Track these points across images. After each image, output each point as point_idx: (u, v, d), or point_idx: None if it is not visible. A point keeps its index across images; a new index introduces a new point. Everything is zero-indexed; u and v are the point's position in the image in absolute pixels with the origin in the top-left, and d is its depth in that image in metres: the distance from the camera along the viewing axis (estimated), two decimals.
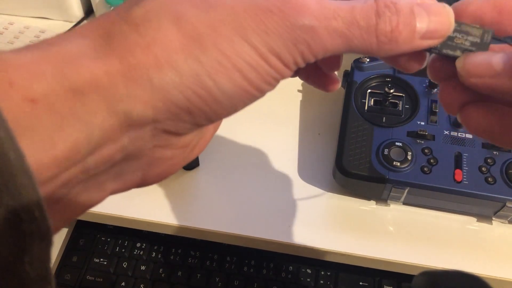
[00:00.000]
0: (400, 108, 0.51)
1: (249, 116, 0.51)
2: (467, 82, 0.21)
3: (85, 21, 0.69)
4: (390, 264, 0.47)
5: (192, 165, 0.52)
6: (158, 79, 0.17)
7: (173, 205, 0.50)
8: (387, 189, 0.47)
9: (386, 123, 0.49)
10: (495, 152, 0.47)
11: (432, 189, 0.45)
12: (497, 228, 0.49)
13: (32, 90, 0.16)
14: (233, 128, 0.55)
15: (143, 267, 0.53)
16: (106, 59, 0.17)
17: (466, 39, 0.21)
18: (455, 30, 0.21)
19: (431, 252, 0.47)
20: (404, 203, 0.49)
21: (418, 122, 0.49)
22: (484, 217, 0.49)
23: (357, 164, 0.47)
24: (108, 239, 0.55)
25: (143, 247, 0.55)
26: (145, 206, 0.50)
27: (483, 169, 0.46)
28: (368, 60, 0.53)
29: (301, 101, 0.59)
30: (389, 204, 0.50)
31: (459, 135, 0.48)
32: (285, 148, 0.55)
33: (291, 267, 0.53)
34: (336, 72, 0.26)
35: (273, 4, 0.19)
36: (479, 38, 0.21)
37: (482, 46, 0.21)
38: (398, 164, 0.46)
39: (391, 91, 0.50)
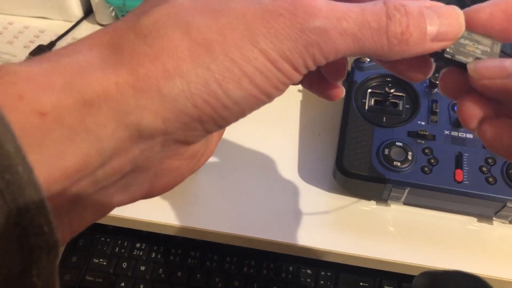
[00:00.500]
0: (401, 108, 0.51)
1: (249, 116, 0.50)
2: (478, 85, 0.21)
3: (84, 21, 0.69)
4: (391, 264, 0.47)
5: None
6: (167, 88, 0.17)
7: (173, 206, 0.50)
8: (387, 189, 0.47)
9: (387, 123, 0.49)
10: None
11: (432, 189, 0.45)
12: (498, 228, 0.49)
13: (41, 103, 0.16)
14: (233, 128, 0.55)
15: (142, 268, 0.53)
16: (115, 71, 0.17)
17: (477, 47, 0.21)
18: (466, 38, 0.21)
19: (432, 252, 0.47)
20: (405, 203, 0.49)
21: (419, 122, 0.49)
22: (484, 217, 0.49)
23: (357, 164, 0.47)
24: (108, 240, 0.55)
25: (142, 247, 0.55)
26: (145, 207, 0.50)
27: (484, 169, 0.46)
28: (368, 60, 0.53)
29: (301, 101, 0.59)
30: (390, 204, 0.50)
31: (459, 135, 0.48)
32: (285, 148, 0.54)
33: (291, 267, 0.53)
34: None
35: (283, 6, 0.18)
36: (489, 48, 0.21)
37: (492, 55, 0.21)
38: (399, 164, 0.46)
39: (392, 91, 0.50)
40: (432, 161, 0.46)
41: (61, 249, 0.55)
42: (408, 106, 0.51)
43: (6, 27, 0.67)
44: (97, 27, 0.68)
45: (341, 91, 0.26)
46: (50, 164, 0.16)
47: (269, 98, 0.20)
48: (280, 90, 0.20)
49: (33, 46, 0.64)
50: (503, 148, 0.21)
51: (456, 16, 0.21)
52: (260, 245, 0.49)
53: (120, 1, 0.62)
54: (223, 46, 0.18)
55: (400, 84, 0.52)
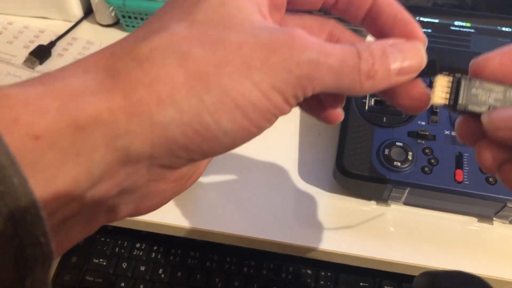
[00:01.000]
0: None
1: None
2: (494, 136, 0.21)
3: (84, 21, 0.69)
4: (391, 264, 0.47)
5: None
6: (159, 116, 0.18)
7: (173, 206, 0.50)
8: (387, 189, 0.47)
9: (387, 123, 0.49)
10: None
11: (432, 189, 0.45)
12: (498, 229, 0.49)
13: (35, 126, 0.16)
14: None
15: (142, 268, 0.53)
16: (109, 95, 0.17)
17: (489, 96, 0.21)
18: (478, 88, 0.21)
19: (432, 252, 0.47)
20: (405, 203, 0.49)
21: (419, 122, 0.49)
22: (485, 217, 0.49)
23: (357, 164, 0.47)
24: (108, 240, 0.55)
25: (142, 247, 0.55)
26: None
27: None
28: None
29: None
30: (390, 204, 0.50)
31: None
32: (285, 148, 0.54)
33: (291, 268, 0.52)
34: None
35: (279, 40, 0.19)
36: (502, 94, 0.21)
37: (505, 102, 0.21)
38: (399, 164, 0.46)
39: None
40: (432, 161, 0.46)
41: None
42: None
43: (6, 27, 0.67)
44: (97, 27, 0.68)
45: (340, 115, 0.26)
46: (42, 187, 0.16)
47: (260, 130, 0.20)
48: (270, 122, 0.20)
49: (33, 46, 0.63)
50: None
51: (417, 50, 0.22)
52: (260, 245, 0.49)
53: (120, 1, 0.62)
54: (218, 78, 0.18)
55: None
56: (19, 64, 0.62)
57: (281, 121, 0.61)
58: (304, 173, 0.52)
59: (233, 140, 0.20)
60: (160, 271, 0.53)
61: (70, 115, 0.17)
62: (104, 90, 0.18)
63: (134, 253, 0.54)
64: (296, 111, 0.58)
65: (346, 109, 0.51)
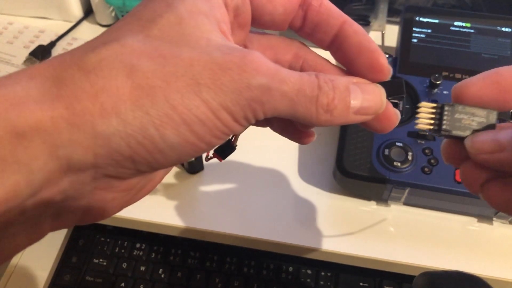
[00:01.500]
0: (401, 108, 0.50)
1: None
2: (477, 160, 0.22)
3: (84, 21, 0.69)
4: (391, 264, 0.47)
5: (197, 169, 0.52)
6: (102, 126, 0.17)
7: (173, 206, 0.50)
8: (387, 189, 0.47)
9: None
10: None
11: (432, 190, 0.45)
12: (498, 229, 0.49)
13: None
14: None
15: (142, 268, 0.53)
16: (52, 104, 0.17)
17: (472, 120, 0.22)
18: (461, 112, 0.22)
19: (432, 252, 0.47)
20: (405, 204, 0.49)
21: None
22: (484, 218, 0.49)
23: (357, 165, 0.47)
24: (108, 240, 0.55)
25: (142, 247, 0.55)
26: (145, 207, 0.50)
27: None
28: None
29: None
30: (390, 205, 0.50)
31: None
32: (285, 148, 0.54)
33: (291, 268, 0.53)
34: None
35: (233, 61, 0.19)
36: (484, 118, 0.22)
37: (489, 126, 0.22)
38: (399, 164, 0.46)
39: None
40: (432, 161, 0.46)
41: (61, 250, 0.55)
42: (408, 107, 0.51)
43: (6, 27, 0.67)
44: (97, 27, 0.68)
45: (312, 136, 0.27)
46: None
47: (209, 146, 0.20)
48: (220, 139, 0.20)
49: (33, 46, 0.64)
50: (510, 207, 0.22)
51: (378, 93, 0.22)
52: (260, 245, 0.49)
53: (120, 1, 0.62)
54: (165, 92, 0.18)
55: None
56: (19, 64, 0.62)
57: None
58: (304, 174, 0.52)
59: (180, 155, 0.19)
60: (160, 271, 0.53)
61: (10, 123, 0.17)
62: (48, 98, 0.17)
63: (134, 253, 0.54)
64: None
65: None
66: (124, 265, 0.53)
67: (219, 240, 0.50)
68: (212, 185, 0.52)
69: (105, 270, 0.53)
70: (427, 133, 0.24)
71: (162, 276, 0.52)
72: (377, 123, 0.24)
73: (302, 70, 0.25)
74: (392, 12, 0.67)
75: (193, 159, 0.50)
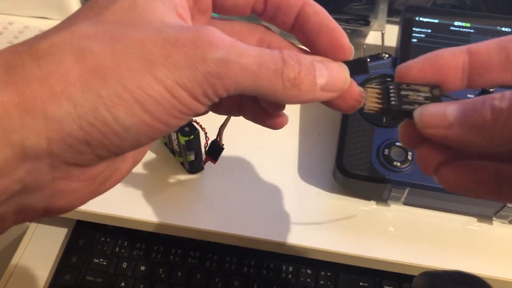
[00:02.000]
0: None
1: None
2: (425, 134, 0.22)
3: None
4: (391, 264, 0.47)
5: (197, 169, 0.52)
6: (53, 110, 0.17)
7: (173, 206, 0.50)
8: (387, 189, 0.47)
9: (387, 123, 0.49)
10: None
11: (432, 189, 0.45)
12: (498, 228, 0.49)
13: None
14: (233, 128, 0.55)
15: (142, 268, 0.53)
16: (1, 91, 0.17)
17: (418, 95, 0.23)
18: (406, 90, 0.23)
19: (432, 252, 0.47)
20: (405, 203, 0.49)
21: None
22: (484, 217, 0.49)
23: (357, 164, 0.47)
24: (108, 240, 0.55)
25: (142, 247, 0.55)
26: (145, 207, 0.50)
27: None
28: (368, 60, 0.53)
29: None
30: (390, 204, 0.50)
31: None
32: (285, 148, 0.55)
33: (291, 268, 0.53)
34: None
35: (185, 37, 0.19)
36: (429, 93, 0.23)
37: (435, 99, 0.22)
38: (399, 164, 0.46)
39: None
40: None
41: (61, 249, 0.55)
42: None
43: (6, 27, 0.67)
44: None
45: (285, 120, 0.27)
46: None
47: (168, 127, 0.20)
48: (181, 119, 0.20)
49: None
50: (463, 190, 0.22)
51: (342, 71, 0.22)
52: (260, 245, 0.49)
53: None
54: (115, 72, 0.18)
55: None
56: None
57: None
58: (304, 173, 0.52)
59: (137, 137, 0.19)
60: (160, 271, 0.53)
61: None
62: None
63: (134, 253, 0.54)
64: (296, 111, 0.58)
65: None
66: (124, 265, 0.53)
67: (219, 240, 0.50)
68: (212, 185, 0.52)
69: (105, 270, 0.53)
70: (379, 114, 0.24)
71: (162, 276, 0.52)
72: (343, 102, 0.24)
73: None
74: (392, 12, 0.67)
75: (193, 158, 0.50)
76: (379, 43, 0.54)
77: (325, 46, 0.23)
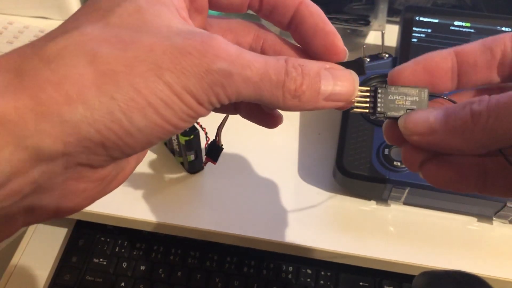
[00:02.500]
0: None
1: None
2: (410, 141, 0.22)
3: None
4: (391, 264, 0.47)
5: (197, 169, 0.52)
6: (69, 114, 0.18)
7: (173, 206, 0.50)
8: (387, 189, 0.47)
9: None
10: None
11: (432, 189, 0.45)
12: (498, 228, 0.49)
13: None
14: (233, 128, 0.55)
15: (142, 268, 0.53)
16: (15, 95, 0.17)
17: (406, 100, 0.23)
18: (394, 93, 0.23)
19: (432, 252, 0.47)
20: (405, 203, 0.49)
21: None
22: (484, 217, 0.49)
23: (357, 164, 0.47)
24: (108, 239, 0.55)
25: (142, 247, 0.55)
26: (145, 207, 0.50)
27: None
28: (368, 60, 0.53)
29: None
30: (390, 204, 0.50)
31: None
32: (285, 148, 0.55)
33: (291, 268, 0.52)
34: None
35: (193, 45, 0.19)
36: (417, 97, 0.23)
37: (421, 104, 0.23)
38: (399, 164, 0.46)
39: None
40: None
41: (61, 249, 0.55)
42: None
43: (6, 27, 0.67)
44: None
45: (280, 119, 0.27)
46: None
47: (176, 128, 0.20)
48: (187, 122, 0.20)
49: None
50: (448, 185, 0.23)
51: (351, 80, 0.22)
52: (260, 245, 0.49)
53: None
54: (128, 76, 0.18)
55: None
56: None
57: None
58: (304, 173, 0.52)
59: (149, 137, 0.20)
60: (160, 270, 0.53)
61: None
62: (10, 90, 0.17)
63: (134, 253, 0.54)
64: (296, 111, 0.58)
65: (346, 109, 0.51)
66: (124, 265, 0.53)
67: (219, 240, 0.50)
68: (212, 185, 0.52)
69: (105, 270, 0.53)
70: (366, 116, 0.25)
71: (162, 276, 0.52)
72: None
73: (262, 50, 0.25)
74: (392, 12, 0.67)
75: (193, 158, 0.50)
76: (379, 43, 0.54)
77: (319, 48, 0.23)
